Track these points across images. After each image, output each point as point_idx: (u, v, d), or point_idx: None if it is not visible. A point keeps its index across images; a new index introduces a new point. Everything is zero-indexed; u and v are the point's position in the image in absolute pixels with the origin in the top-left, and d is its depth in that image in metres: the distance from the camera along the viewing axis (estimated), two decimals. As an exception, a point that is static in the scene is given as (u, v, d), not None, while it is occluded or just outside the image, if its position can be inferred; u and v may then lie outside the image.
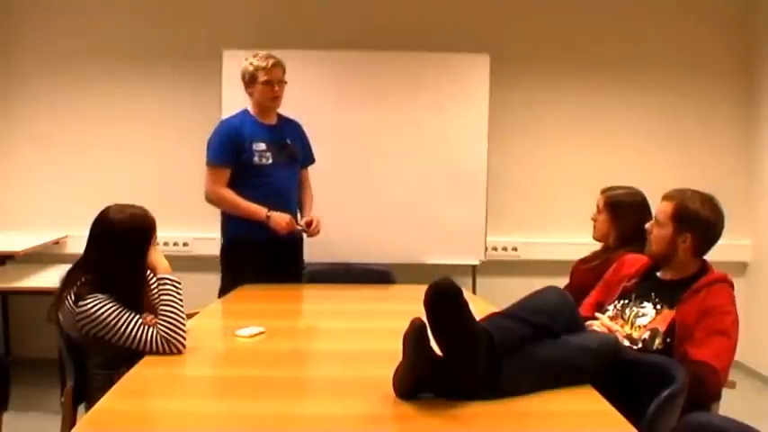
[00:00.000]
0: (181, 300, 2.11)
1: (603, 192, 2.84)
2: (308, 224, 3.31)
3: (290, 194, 3.34)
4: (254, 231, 3.18)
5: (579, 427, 1.62)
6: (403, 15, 4.29)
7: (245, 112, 3.31)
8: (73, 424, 2.08)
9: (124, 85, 4.27)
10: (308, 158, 3.52)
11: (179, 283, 2.15)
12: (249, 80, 3.23)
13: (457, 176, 4.09)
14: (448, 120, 4.09)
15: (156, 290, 2.14)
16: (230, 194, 3.21)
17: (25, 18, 4.25)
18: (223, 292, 3.18)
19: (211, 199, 3.27)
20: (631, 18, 4.34)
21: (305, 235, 3.35)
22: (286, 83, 3.27)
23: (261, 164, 3.22)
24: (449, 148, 4.09)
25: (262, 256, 3.20)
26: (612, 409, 1.64)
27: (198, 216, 4.22)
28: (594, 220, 2.85)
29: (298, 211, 3.40)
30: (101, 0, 4.25)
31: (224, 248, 3.36)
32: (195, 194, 4.24)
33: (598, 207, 2.84)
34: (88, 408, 1.99)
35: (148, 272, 2.20)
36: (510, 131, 4.32)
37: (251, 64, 3.22)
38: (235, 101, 3.96)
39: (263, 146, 3.23)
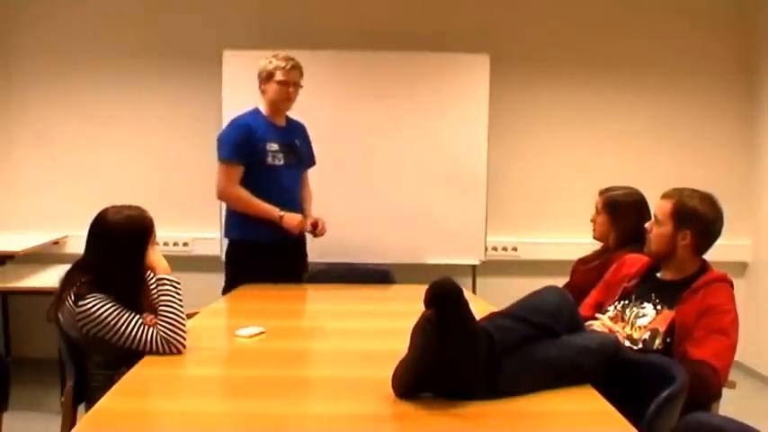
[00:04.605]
0: (180, 300, 2.11)
1: (601, 193, 2.84)
2: (314, 225, 3.33)
3: (296, 195, 3.37)
4: (261, 232, 3.19)
5: (579, 427, 1.62)
6: (403, 15, 4.29)
7: (257, 111, 3.30)
8: (73, 424, 2.08)
9: (124, 85, 4.27)
10: (310, 161, 3.55)
11: (178, 283, 2.15)
12: (266, 78, 3.23)
13: (457, 176, 4.09)
14: (448, 120, 4.09)
15: (155, 290, 2.14)
16: (244, 193, 3.19)
17: (25, 18, 4.24)
18: (227, 291, 3.18)
19: (224, 197, 3.27)
20: (631, 18, 4.34)
21: (312, 235, 3.37)
22: (301, 86, 3.29)
23: (273, 164, 3.23)
24: (449, 148, 4.09)
25: (267, 256, 3.20)
26: (612, 409, 1.64)
27: (198, 216, 4.24)
28: (593, 221, 2.85)
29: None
30: (100, 0, 4.25)
31: (230, 248, 3.34)
32: (195, 194, 4.26)
33: (597, 208, 2.84)
34: (88, 408, 1.99)
35: (148, 272, 2.21)
36: (510, 131, 4.32)
37: (270, 62, 3.22)
38: (235, 101, 3.96)
39: (275, 146, 3.24)
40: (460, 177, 4.09)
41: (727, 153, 4.40)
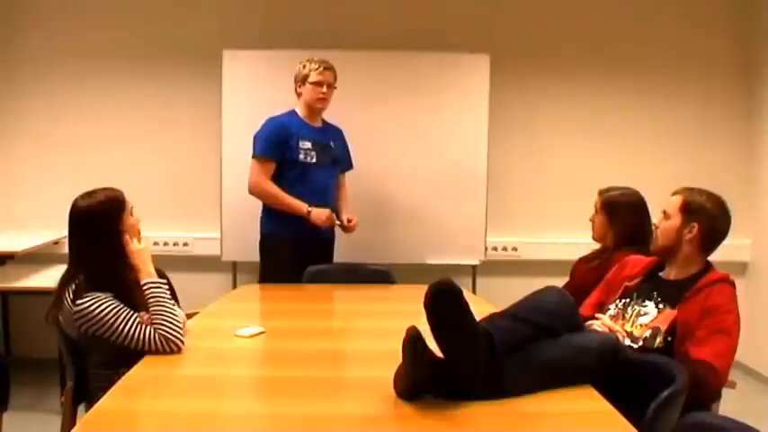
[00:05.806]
0: (169, 298, 2.12)
1: (601, 193, 2.86)
2: (348, 221, 3.45)
3: (329, 194, 3.46)
4: (292, 227, 3.30)
5: (579, 427, 1.62)
6: (403, 15, 4.29)
7: (293, 112, 3.42)
8: (73, 424, 2.08)
9: (124, 85, 4.26)
10: (347, 164, 3.66)
11: (163, 283, 2.16)
12: (301, 80, 3.37)
13: (457, 176, 4.09)
14: (448, 120, 4.09)
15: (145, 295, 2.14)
16: (274, 188, 3.31)
17: (25, 18, 4.24)
18: (262, 280, 3.40)
19: (254, 191, 3.36)
20: (631, 18, 4.34)
21: (342, 230, 3.48)
22: (335, 88, 3.40)
23: (305, 162, 3.34)
24: (449, 148, 4.09)
25: (296, 250, 3.32)
26: (612, 409, 1.64)
27: (198, 216, 4.23)
28: (592, 220, 2.87)
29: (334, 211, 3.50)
30: (100, 0, 4.25)
31: (262, 241, 3.45)
32: (195, 194, 4.26)
33: (596, 208, 2.85)
34: (88, 408, 1.99)
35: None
36: (510, 131, 4.31)
37: (304, 66, 3.37)
38: (235, 101, 3.98)
39: (308, 144, 3.35)
40: (460, 177, 4.09)
41: (727, 153, 4.40)
